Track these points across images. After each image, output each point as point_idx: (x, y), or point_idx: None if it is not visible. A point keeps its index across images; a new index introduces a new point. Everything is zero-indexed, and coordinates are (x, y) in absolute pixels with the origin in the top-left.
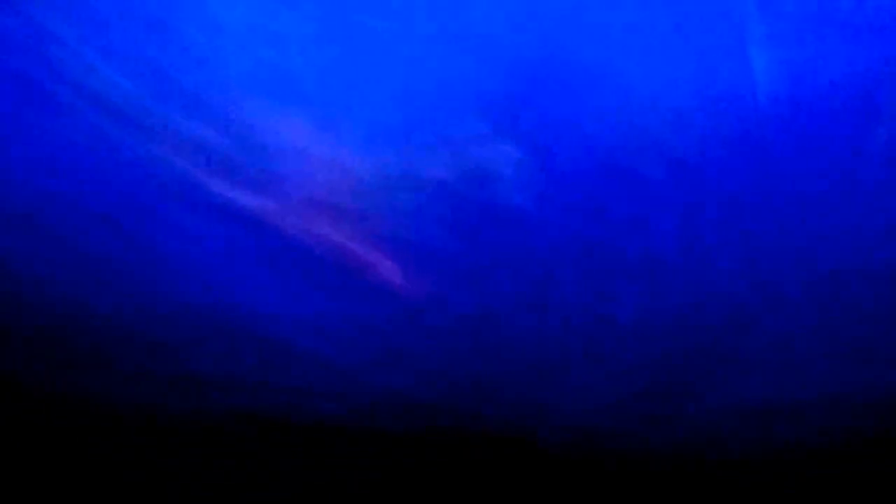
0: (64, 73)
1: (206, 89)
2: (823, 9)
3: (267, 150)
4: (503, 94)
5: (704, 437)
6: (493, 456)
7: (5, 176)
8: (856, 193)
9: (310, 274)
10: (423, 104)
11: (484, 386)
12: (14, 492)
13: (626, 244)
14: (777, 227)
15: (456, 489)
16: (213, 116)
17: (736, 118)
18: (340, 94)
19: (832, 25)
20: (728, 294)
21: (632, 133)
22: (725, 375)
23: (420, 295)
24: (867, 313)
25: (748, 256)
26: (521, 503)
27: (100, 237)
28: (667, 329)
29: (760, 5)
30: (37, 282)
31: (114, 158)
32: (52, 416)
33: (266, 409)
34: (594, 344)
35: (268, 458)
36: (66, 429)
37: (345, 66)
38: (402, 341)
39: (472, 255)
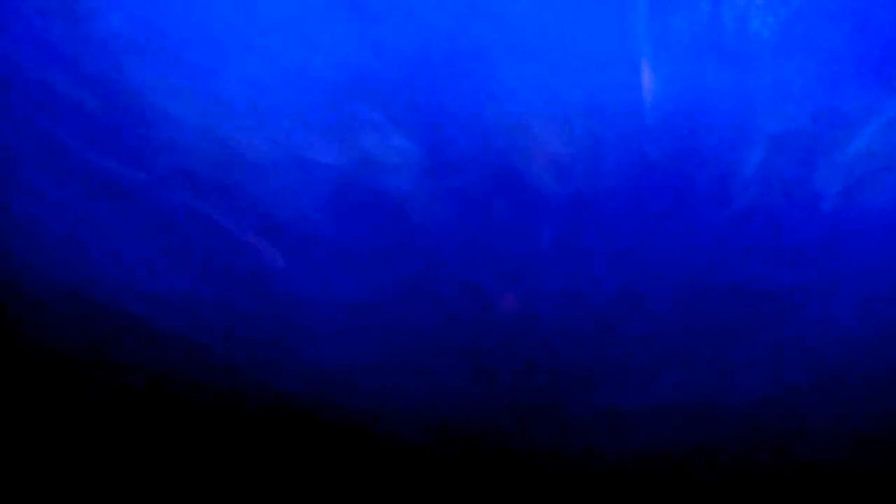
0: None
1: (81, 48)
2: (712, 30)
3: (143, 117)
4: (396, 82)
5: (580, 440)
6: (351, 450)
7: None
8: (727, 211)
9: (183, 254)
10: (313, 85)
11: (360, 379)
12: None
13: (507, 244)
14: (652, 238)
15: (314, 481)
16: (86, 77)
17: (621, 128)
18: (229, 66)
19: (719, 47)
20: (602, 301)
21: (519, 138)
22: (599, 380)
23: (302, 281)
24: (727, 326)
25: (622, 264)
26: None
27: None
28: (542, 332)
29: (650, 17)
30: None
31: None
32: None
33: (127, 395)
34: (471, 341)
35: (129, 442)
36: None
37: (234, 37)
38: (279, 330)
39: (356, 243)
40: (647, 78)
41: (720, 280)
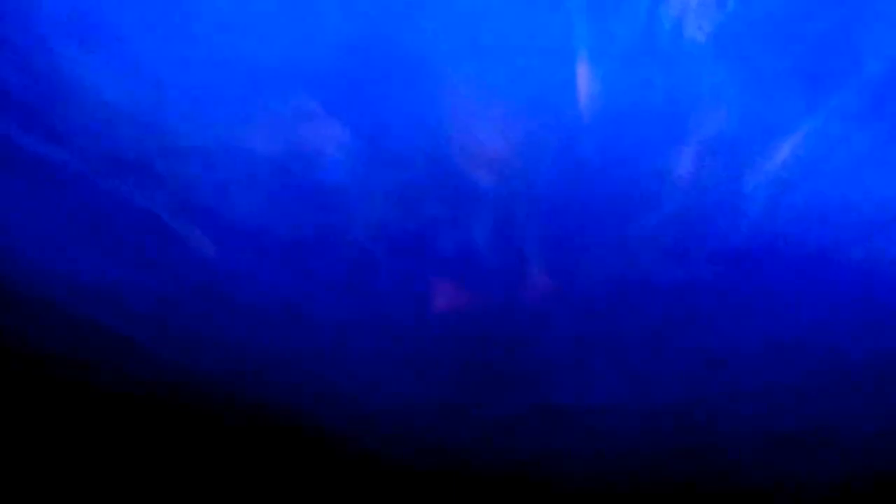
0: None
1: (9, 28)
2: (648, 34)
3: (73, 99)
4: (336, 73)
5: (510, 437)
6: (283, 436)
7: None
8: (656, 210)
9: (109, 240)
10: (252, 75)
11: (281, 368)
12: None
13: (442, 239)
14: (585, 237)
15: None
16: (14, 57)
17: (557, 127)
18: (164, 51)
19: (655, 51)
20: (535, 298)
21: (457, 132)
22: (532, 378)
23: (231, 271)
24: (656, 325)
25: (556, 263)
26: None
27: None
28: (474, 326)
29: (589, 20)
30: None
31: None
32: None
33: (45, 386)
34: (401, 336)
35: (46, 432)
36: None
37: (170, 22)
38: (205, 319)
39: (290, 234)
40: (584, 79)
41: (651, 280)
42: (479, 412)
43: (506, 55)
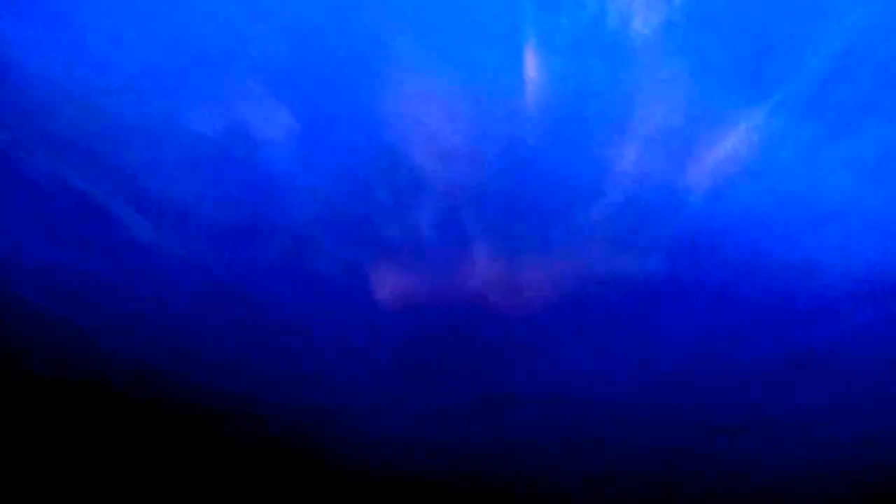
0: None
1: None
2: (596, 26)
3: (11, 79)
4: (281, 59)
5: (449, 423)
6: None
7: None
8: (599, 201)
9: (44, 221)
10: (194, 56)
11: (219, 354)
12: None
13: (387, 224)
14: (529, 226)
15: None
16: None
17: (504, 116)
18: (103, 28)
19: (602, 43)
20: (479, 287)
21: (403, 120)
22: (475, 367)
23: (171, 255)
24: (600, 316)
25: (500, 252)
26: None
27: None
28: (420, 313)
29: (537, 11)
30: None
31: None
32: None
33: None
34: (346, 322)
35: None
36: None
37: (113, 4)
38: (145, 303)
39: (231, 217)
40: (531, 69)
41: (594, 270)
42: (425, 401)
43: (453, 43)
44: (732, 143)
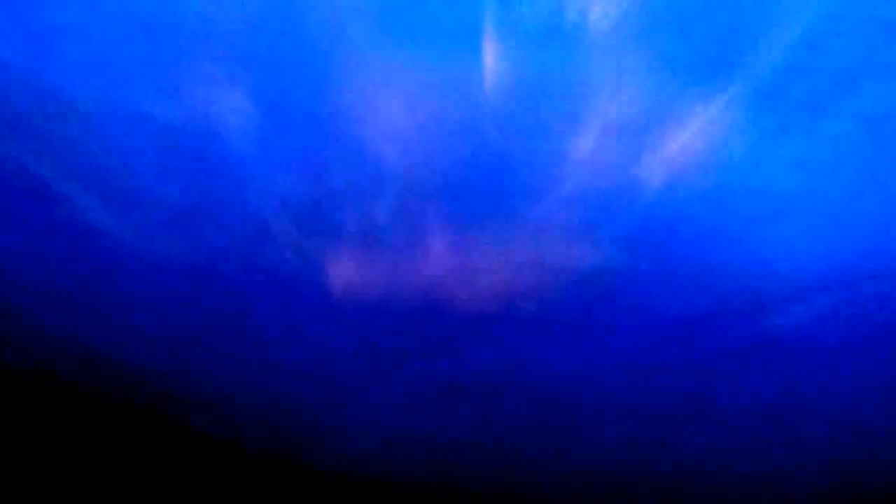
0: None
1: None
2: (555, 16)
3: None
4: (240, 43)
5: (403, 412)
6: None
7: None
8: (556, 191)
9: None
10: (151, 38)
11: (174, 341)
12: None
13: (344, 212)
14: (484, 212)
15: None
16: None
17: (462, 105)
18: (60, 11)
19: (561, 34)
20: (437, 276)
21: (361, 107)
22: (419, 355)
23: (125, 238)
24: (548, 306)
25: (457, 241)
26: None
27: None
28: (377, 302)
29: (497, 3)
30: None
31: None
32: None
33: None
34: (302, 310)
35: None
36: None
37: None
38: (97, 287)
39: (186, 201)
40: (490, 58)
41: (550, 260)
42: (384, 390)
43: (413, 31)
44: (688, 136)
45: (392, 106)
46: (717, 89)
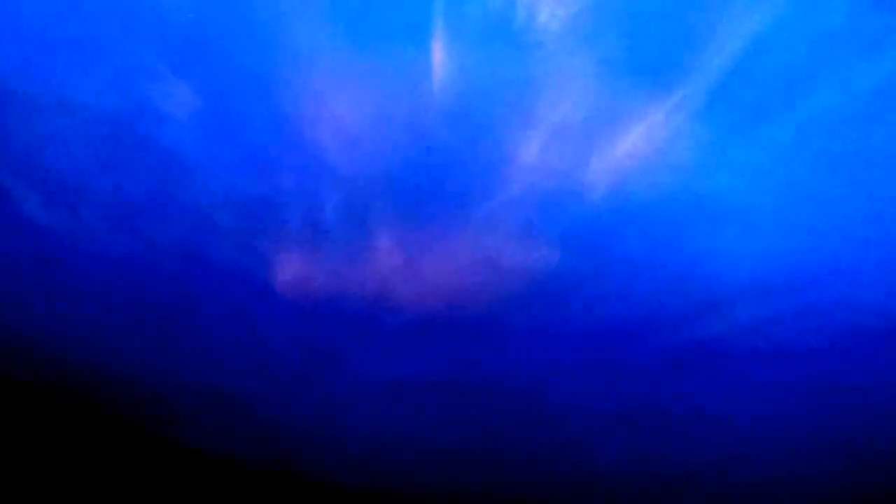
0: None
1: None
2: (504, 17)
3: None
4: (184, 34)
5: (339, 411)
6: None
7: None
8: (502, 192)
9: None
10: (91, 23)
11: (121, 339)
12: None
13: (290, 209)
14: (433, 215)
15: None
16: None
17: (410, 104)
18: None
19: (509, 35)
20: (384, 272)
21: (309, 104)
22: (367, 348)
23: (63, 231)
24: (495, 307)
25: (404, 239)
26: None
27: None
28: (322, 299)
29: (446, 2)
30: None
31: None
32: None
33: None
34: (246, 306)
35: None
36: None
37: None
38: (35, 282)
39: (127, 195)
40: (439, 57)
41: (495, 261)
42: (330, 388)
43: (362, 27)
44: (634, 139)
45: (340, 103)
46: (663, 93)
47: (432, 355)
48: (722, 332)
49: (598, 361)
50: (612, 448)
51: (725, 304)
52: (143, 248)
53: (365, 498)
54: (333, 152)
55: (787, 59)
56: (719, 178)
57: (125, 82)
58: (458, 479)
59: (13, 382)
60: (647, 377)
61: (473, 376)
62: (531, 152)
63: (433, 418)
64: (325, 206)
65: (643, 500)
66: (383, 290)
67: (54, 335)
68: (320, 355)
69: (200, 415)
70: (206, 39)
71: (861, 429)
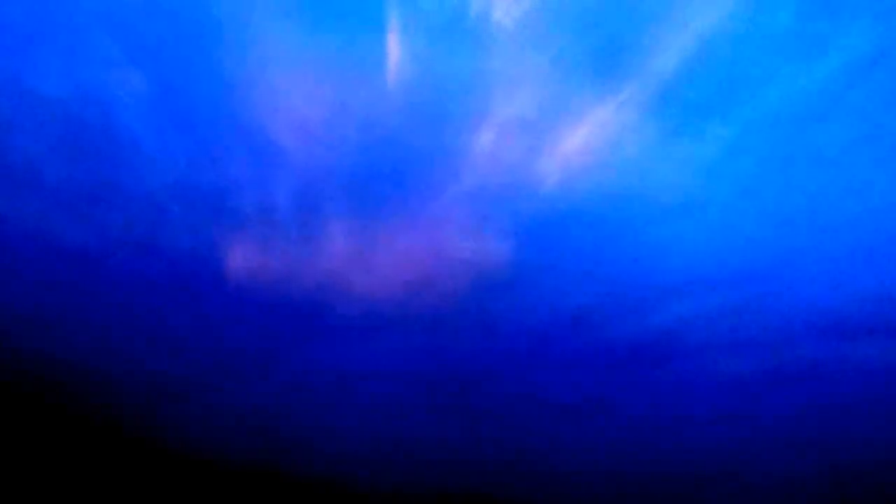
0: None
1: None
2: (459, 12)
3: None
4: (139, 22)
5: (294, 397)
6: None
7: None
8: (455, 185)
9: None
10: (43, 10)
11: (70, 326)
12: None
13: (242, 198)
14: (384, 205)
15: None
16: None
17: (365, 96)
18: None
19: (464, 30)
20: (335, 261)
21: (263, 94)
22: (317, 339)
23: (12, 219)
24: (447, 296)
25: (356, 228)
26: None
27: None
28: (273, 287)
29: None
30: None
31: None
32: None
33: None
34: (194, 296)
35: None
36: None
37: None
38: None
39: (77, 182)
40: (393, 50)
41: (447, 253)
42: (283, 375)
43: (317, 18)
44: (583, 135)
45: (294, 94)
46: (612, 91)
47: (384, 346)
48: (669, 324)
49: (549, 353)
50: (565, 437)
51: (673, 297)
52: (95, 236)
53: (318, 485)
54: (286, 141)
55: (734, 60)
56: (667, 174)
57: (77, 69)
58: (405, 468)
59: None
60: (597, 369)
61: (426, 368)
62: (484, 146)
63: (383, 408)
64: (277, 195)
65: (596, 489)
66: (335, 280)
67: (1, 323)
68: (271, 344)
69: (152, 403)
70: (158, 27)
71: (804, 419)
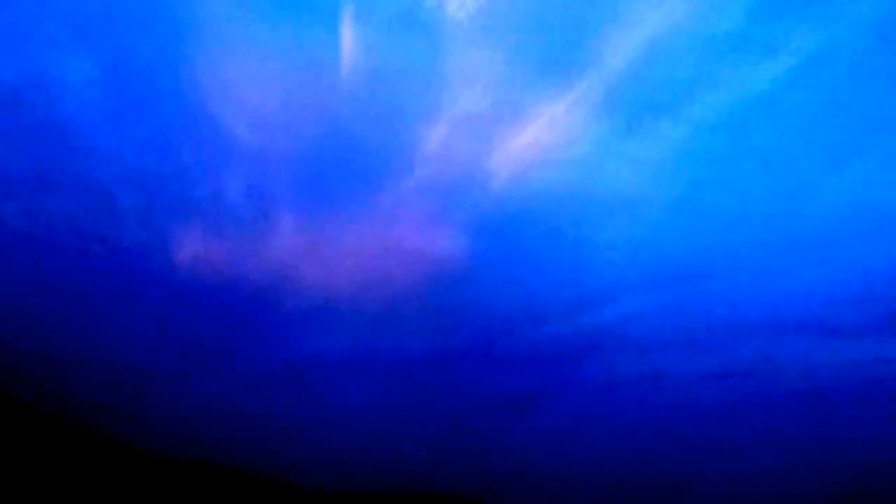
0: None
1: None
2: (413, 6)
3: None
4: (87, 4)
5: (238, 392)
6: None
7: None
8: (407, 178)
9: None
10: None
11: (16, 316)
12: None
13: (192, 187)
14: (335, 195)
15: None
16: None
17: (318, 87)
18: None
19: (418, 23)
20: (282, 253)
21: (215, 82)
22: (271, 329)
23: None
24: (399, 289)
25: (305, 220)
26: None
27: None
28: (223, 278)
29: None
30: None
31: None
32: None
33: None
34: (143, 286)
35: None
36: None
37: None
38: None
39: (23, 169)
40: (347, 43)
41: (399, 246)
42: (234, 367)
43: (271, 7)
44: (535, 132)
45: (247, 83)
46: (563, 89)
47: (333, 338)
48: (612, 321)
49: (495, 347)
50: (503, 431)
51: (618, 293)
52: (41, 224)
53: (268, 478)
54: (239, 132)
55: (684, 61)
56: (616, 173)
57: (20, 51)
58: (352, 458)
59: None
60: (541, 363)
61: (373, 360)
62: (436, 141)
63: (333, 399)
64: (228, 185)
65: (533, 484)
66: (286, 271)
67: None
68: (220, 335)
69: (99, 394)
70: (108, 10)
71: (746, 415)
